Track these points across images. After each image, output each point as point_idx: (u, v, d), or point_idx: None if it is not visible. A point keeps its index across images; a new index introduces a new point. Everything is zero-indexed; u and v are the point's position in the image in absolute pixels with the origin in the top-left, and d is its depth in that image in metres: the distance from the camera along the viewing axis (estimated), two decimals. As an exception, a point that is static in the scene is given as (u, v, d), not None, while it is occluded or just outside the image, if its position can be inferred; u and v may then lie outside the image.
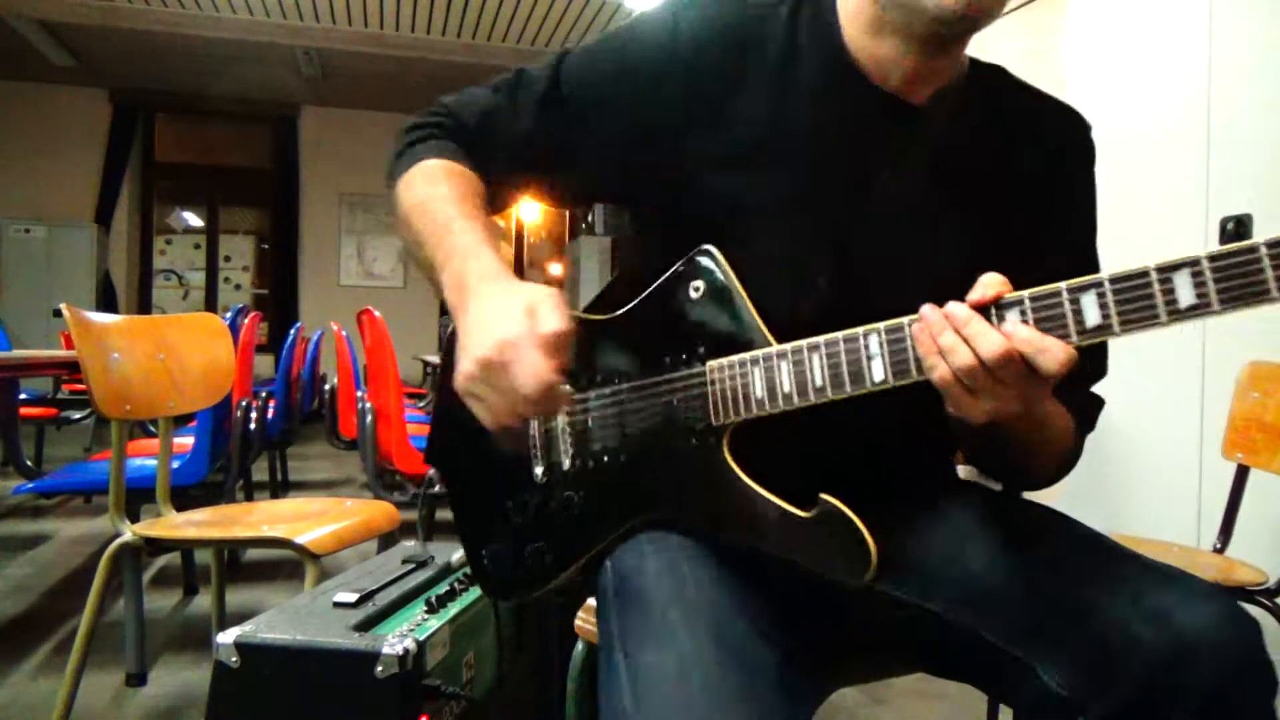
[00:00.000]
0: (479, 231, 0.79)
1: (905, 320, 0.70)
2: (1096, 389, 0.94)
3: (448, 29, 6.71)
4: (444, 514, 3.54)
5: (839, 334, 0.72)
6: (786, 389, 0.75)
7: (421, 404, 5.41)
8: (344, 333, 3.93)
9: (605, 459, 0.86)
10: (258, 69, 7.59)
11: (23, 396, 4.30)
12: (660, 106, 0.85)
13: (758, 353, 0.77)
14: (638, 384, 0.84)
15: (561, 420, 0.89)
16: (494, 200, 0.91)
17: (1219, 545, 1.76)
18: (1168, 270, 0.60)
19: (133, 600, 1.94)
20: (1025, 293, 0.66)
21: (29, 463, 2.73)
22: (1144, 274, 0.61)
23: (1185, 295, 0.60)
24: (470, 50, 6.98)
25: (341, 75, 7.72)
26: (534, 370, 0.67)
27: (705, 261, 0.82)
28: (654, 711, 0.65)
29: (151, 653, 2.16)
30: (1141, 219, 2.00)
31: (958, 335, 0.65)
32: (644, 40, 0.87)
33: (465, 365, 0.70)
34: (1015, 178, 0.89)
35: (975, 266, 0.69)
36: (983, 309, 0.66)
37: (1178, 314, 0.60)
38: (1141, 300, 0.61)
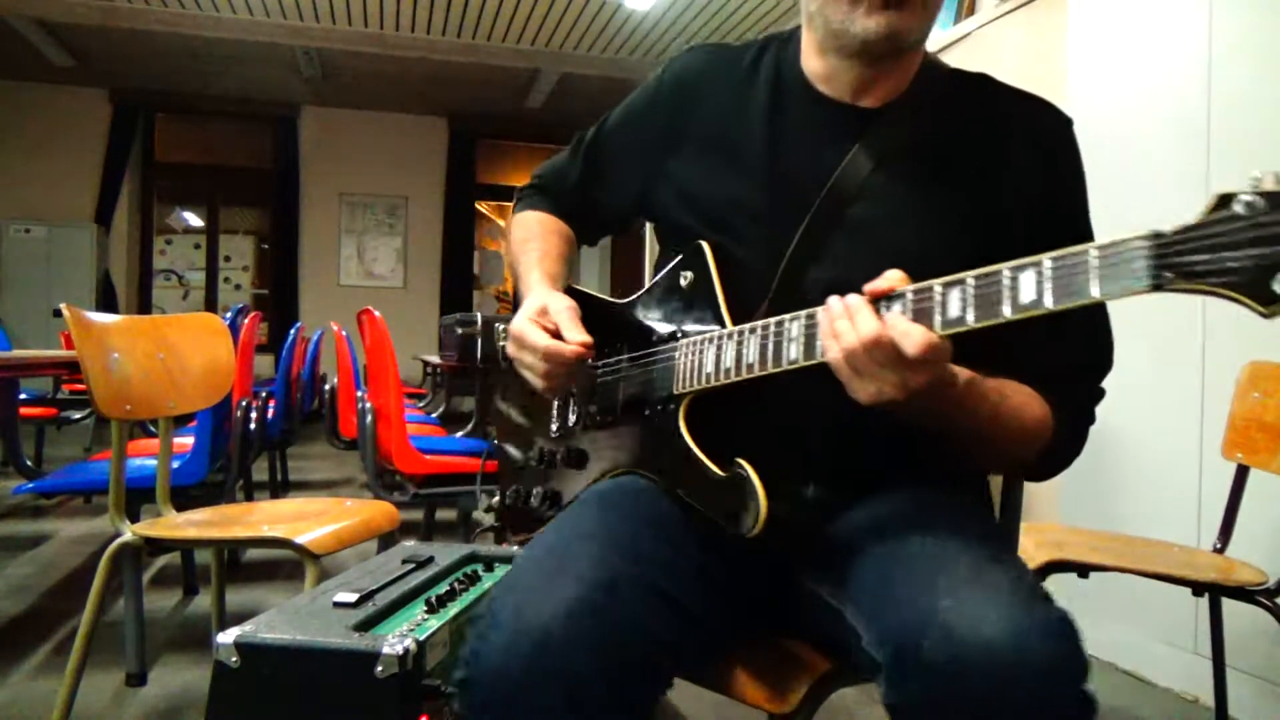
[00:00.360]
0: (534, 258, 1.09)
1: (820, 309, 0.78)
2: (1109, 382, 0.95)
3: (448, 29, 6.70)
4: (445, 514, 3.54)
5: (773, 319, 0.83)
6: (728, 364, 0.87)
7: (421, 404, 5.41)
8: (344, 333, 3.93)
9: (598, 418, 1.04)
10: (258, 69, 7.59)
11: (23, 396, 4.30)
12: (649, 139, 1.07)
13: (716, 332, 0.90)
14: (633, 356, 1.01)
15: (576, 386, 1.07)
16: (585, 234, 1.22)
17: (1219, 545, 1.76)
18: (1017, 269, 0.66)
19: (133, 600, 1.94)
20: (910, 287, 0.72)
21: (29, 463, 2.73)
22: (998, 273, 0.67)
23: (1026, 292, 0.65)
24: (470, 50, 6.98)
25: (341, 75, 7.72)
26: (533, 346, 0.95)
27: (695, 255, 0.97)
28: (524, 554, 0.81)
29: (151, 653, 2.15)
30: (1142, 218, 1.99)
31: (849, 321, 0.72)
32: (643, 90, 1.12)
33: (508, 344, 1.00)
34: (1000, 175, 0.92)
35: (947, 257, 0.72)
36: (875, 299, 0.73)
37: (1018, 309, 0.65)
38: (993, 295, 0.66)
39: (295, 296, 8.80)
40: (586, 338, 0.93)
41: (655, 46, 6.94)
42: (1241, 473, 1.75)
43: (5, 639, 2.31)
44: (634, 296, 1.07)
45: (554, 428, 1.11)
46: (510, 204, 1.32)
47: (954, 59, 3.07)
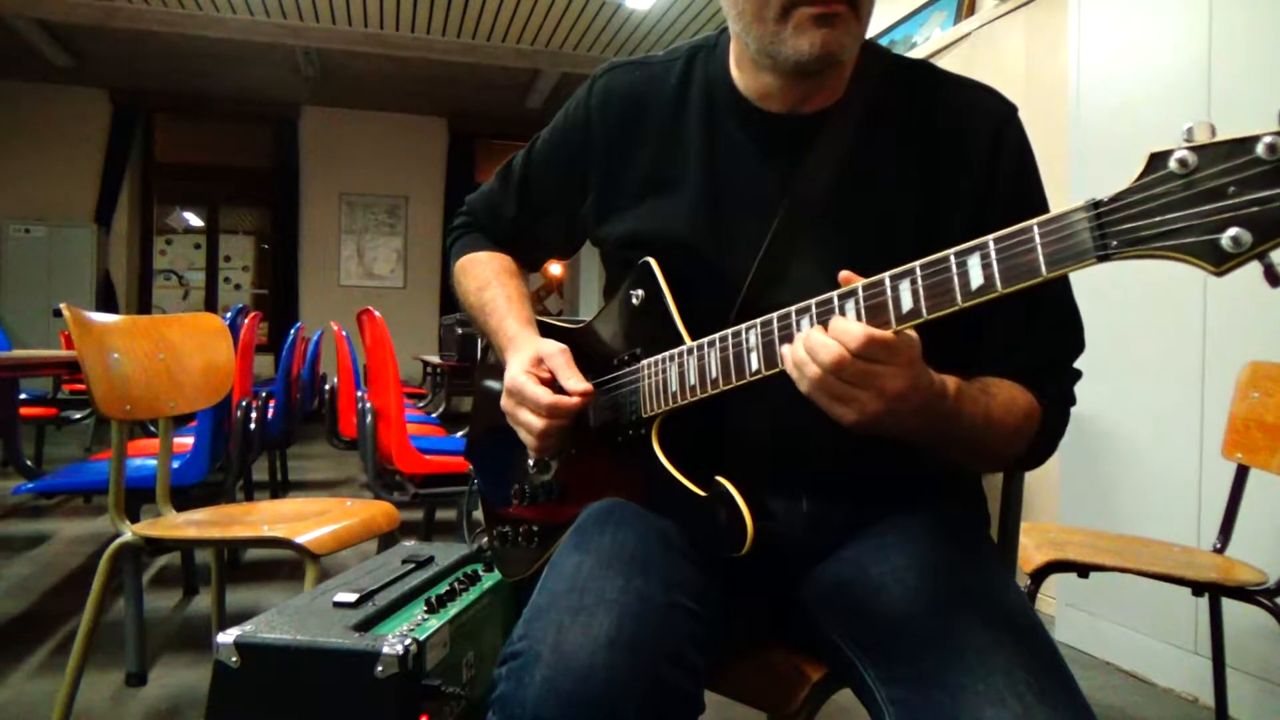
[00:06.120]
0: (501, 305, 1.06)
1: (775, 315, 0.76)
2: (1089, 362, 0.93)
3: (448, 29, 6.71)
4: (444, 514, 3.54)
5: (729, 330, 0.81)
6: (692, 381, 0.85)
7: (421, 404, 5.42)
8: (344, 333, 3.93)
9: (573, 449, 0.99)
10: (258, 69, 7.59)
11: (23, 396, 4.30)
12: (582, 178, 1.03)
13: (675, 350, 0.87)
14: (597, 382, 0.96)
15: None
16: (528, 264, 1.19)
17: (1219, 545, 1.76)
18: (962, 254, 0.64)
19: (133, 600, 1.94)
20: (861, 282, 0.70)
21: (29, 463, 2.73)
22: (945, 259, 0.65)
23: (975, 277, 0.63)
24: (470, 50, 6.98)
25: (341, 75, 7.72)
26: (533, 400, 0.91)
27: (644, 273, 0.94)
28: (547, 584, 0.78)
29: (151, 653, 2.16)
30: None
31: (806, 353, 0.70)
32: (567, 117, 1.07)
33: (503, 399, 0.96)
34: (950, 170, 0.89)
35: (896, 259, 0.69)
36: (825, 300, 0.72)
37: (969, 295, 0.64)
38: (943, 284, 0.65)
39: (295, 296, 8.80)
40: (586, 385, 0.91)
41: (655, 46, 6.93)
42: (1241, 473, 1.75)
43: (5, 639, 2.31)
44: (590, 320, 1.04)
45: (530, 462, 1.06)
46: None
47: (954, 59, 3.08)
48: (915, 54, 3.27)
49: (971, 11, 3.14)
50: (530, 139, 1.14)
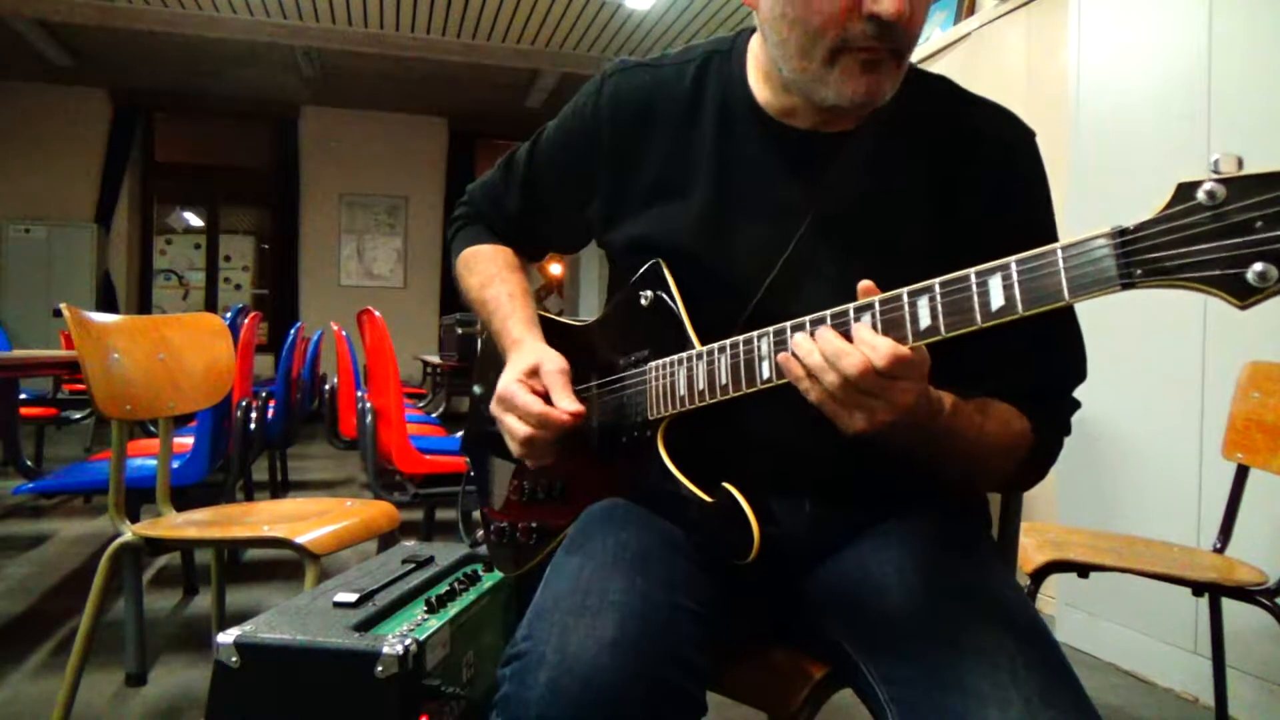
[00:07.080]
0: (505, 302, 1.05)
1: (789, 324, 0.75)
2: (1088, 387, 0.93)
3: (448, 29, 6.71)
4: (444, 514, 3.54)
5: (740, 337, 0.80)
6: (701, 386, 0.84)
7: (421, 404, 5.41)
8: (344, 333, 3.93)
9: (572, 450, 0.97)
10: (258, 69, 7.59)
11: (23, 396, 4.30)
12: (589, 178, 1.01)
13: (684, 354, 0.87)
14: (602, 382, 0.97)
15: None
16: (530, 257, 1.18)
17: (1219, 545, 1.76)
18: (983, 274, 0.63)
19: (133, 600, 1.93)
20: (878, 296, 0.69)
21: (29, 463, 2.72)
22: (965, 278, 0.64)
23: (996, 298, 0.63)
24: (470, 50, 6.98)
25: (341, 75, 7.72)
26: (523, 409, 0.91)
27: (653, 274, 0.93)
28: (550, 585, 0.78)
29: (151, 653, 2.15)
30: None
31: (823, 357, 0.69)
32: (575, 114, 1.04)
33: (492, 404, 0.95)
34: (964, 192, 0.89)
35: (904, 275, 0.69)
36: (841, 312, 0.71)
37: (989, 315, 0.63)
38: (962, 303, 0.64)
39: (295, 296, 8.80)
40: (578, 407, 0.89)
41: (655, 46, 6.93)
42: (1241, 473, 1.75)
43: (5, 639, 2.31)
44: (595, 319, 1.04)
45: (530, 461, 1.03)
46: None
47: (954, 59, 3.08)
48: (915, 54, 3.27)
49: (971, 11, 3.14)
50: (533, 133, 1.12)
